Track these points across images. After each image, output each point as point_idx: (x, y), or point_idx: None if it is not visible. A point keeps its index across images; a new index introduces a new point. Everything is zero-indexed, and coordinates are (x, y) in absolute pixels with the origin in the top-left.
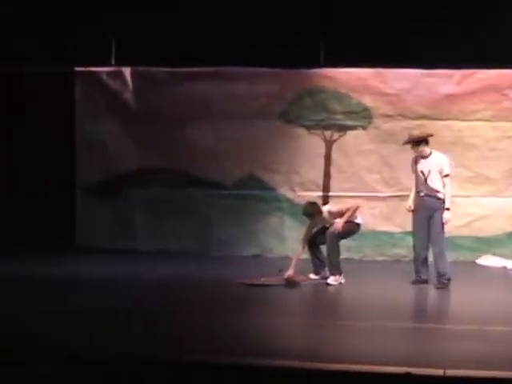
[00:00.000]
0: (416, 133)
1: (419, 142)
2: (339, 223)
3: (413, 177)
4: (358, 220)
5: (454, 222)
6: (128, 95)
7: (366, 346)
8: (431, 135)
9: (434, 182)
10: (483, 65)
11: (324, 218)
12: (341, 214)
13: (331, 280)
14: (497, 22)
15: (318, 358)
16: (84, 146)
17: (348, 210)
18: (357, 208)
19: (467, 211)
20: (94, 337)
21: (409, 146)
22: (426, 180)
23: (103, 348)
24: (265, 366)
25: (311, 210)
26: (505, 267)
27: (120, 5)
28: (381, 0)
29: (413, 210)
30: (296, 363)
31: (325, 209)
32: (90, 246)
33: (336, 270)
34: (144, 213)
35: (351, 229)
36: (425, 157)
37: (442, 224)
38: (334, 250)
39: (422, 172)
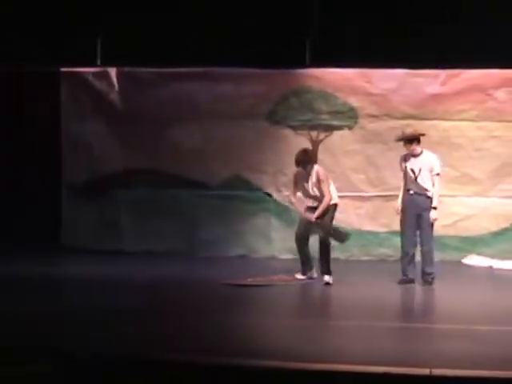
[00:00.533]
0: (409, 131)
1: (412, 140)
2: (311, 216)
3: (399, 176)
4: (335, 200)
5: (441, 221)
6: (114, 96)
7: (353, 345)
8: (423, 134)
9: (425, 181)
10: (468, 65)
11: (310, 173)
12: (319, 189)
13: (328, 279)
14: (482, 22)
15: (306, 358)
16: (70, 146)
17: (323, 203)
18: (328, 205)
19: (453, 211)
20: (89, 336)
21: (395, 146)
22: (416, 178)
23: (99, 348)
24: (253, 367)
25: (304, 158)
26: (490, 267)
27: (106, 5)
28: (366, 0)
29: (401, 210)
30: (283, 363)
31: (316, 166)
32: (76, 246)
33: (329, 269)
34: (130, 213)
35: (331, 215)
36: (416, 155)
37: (432, 223)
38: (329, 248)
39: (412, 170)
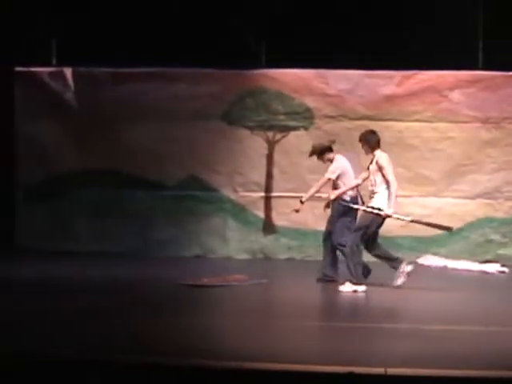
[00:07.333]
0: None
1: (323, 152)
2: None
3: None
4: None
5: (396, 221)
6: (69, 96)
7: (307, 345)
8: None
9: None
10: (423, 66)
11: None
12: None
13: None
14: (436, 23)
15: (262, 358)
16: (24, 146)
17: None
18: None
19: (408, 211)
20: (41, 338)
21: (351, 146)
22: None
23: (49, 349)
24: (209, 367)
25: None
26: (445, 267)
27: (60, 5)
28: (318, 1)
29: None
30: (240, 364)
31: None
32: (31, 247)
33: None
34: (85, 214)
35: None
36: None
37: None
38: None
39: None
